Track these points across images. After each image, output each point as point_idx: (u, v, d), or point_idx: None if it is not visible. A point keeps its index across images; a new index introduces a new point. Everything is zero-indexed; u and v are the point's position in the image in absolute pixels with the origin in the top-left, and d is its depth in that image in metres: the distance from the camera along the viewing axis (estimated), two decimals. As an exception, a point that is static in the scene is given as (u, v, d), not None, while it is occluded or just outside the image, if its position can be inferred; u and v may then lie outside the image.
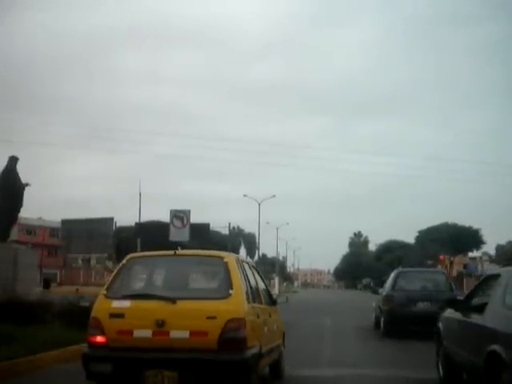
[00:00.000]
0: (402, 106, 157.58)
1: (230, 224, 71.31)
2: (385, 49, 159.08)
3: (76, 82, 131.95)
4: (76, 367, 6.62)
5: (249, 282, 6.43)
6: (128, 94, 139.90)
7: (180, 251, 6.65)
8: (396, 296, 14.06)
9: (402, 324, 13.78)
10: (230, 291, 5.74)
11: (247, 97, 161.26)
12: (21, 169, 14.44)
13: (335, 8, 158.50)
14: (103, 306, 5.90)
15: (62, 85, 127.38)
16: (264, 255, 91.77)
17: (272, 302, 7.53)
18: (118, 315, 5.71)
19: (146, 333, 5.61)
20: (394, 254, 77.86)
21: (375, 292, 18.26)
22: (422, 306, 13.66)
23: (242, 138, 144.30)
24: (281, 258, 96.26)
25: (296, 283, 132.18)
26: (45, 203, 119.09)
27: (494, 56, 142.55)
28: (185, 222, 18.59)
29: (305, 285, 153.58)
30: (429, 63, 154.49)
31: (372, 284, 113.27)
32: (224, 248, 64.30)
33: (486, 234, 76.67)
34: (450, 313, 7.59)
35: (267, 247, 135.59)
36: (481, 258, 74.75)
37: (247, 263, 7.01)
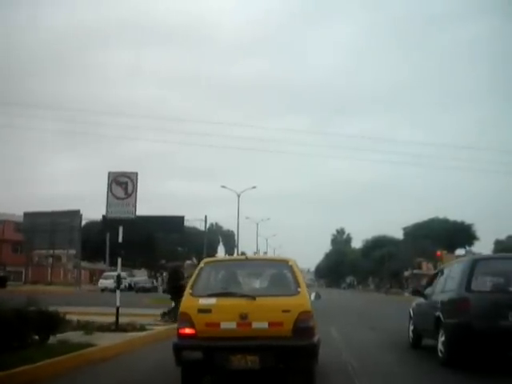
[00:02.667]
0: (387, 104, 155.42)
1: (206, 217, 67.01)
2: (370, 47, 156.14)
3: (56, 78, 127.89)
4: None
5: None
6: (108, 89, 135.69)
7: (250, 256, 9.27)
8: (474, 301, 8.83)
9: (482, 346, 8.83)
10: (299, 289, 6.95)
11: (229, 94, 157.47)
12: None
13: (319, 5, 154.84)
14: (191, 303, 6.89)
15: (41, 80, 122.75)
16: (243, 253, 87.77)
17: None
18: (205, 310, 6.73)
19: (232, 325, 6.67)
20: (383, 250, 75.00)
21: (418, 294, 12.12)
22: None
23: (225, 136, 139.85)
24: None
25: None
26: (22, 201, 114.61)
27: (478, 54, 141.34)
28: (129, 190, 13.43)
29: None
30: (413, 62, 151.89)
31: (355, 282, 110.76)
32: (201, 244, 60.30)
33: (480, 230, 74.06)
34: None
35: (247, 245, 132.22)
36: (465, 255, 72.12)
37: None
